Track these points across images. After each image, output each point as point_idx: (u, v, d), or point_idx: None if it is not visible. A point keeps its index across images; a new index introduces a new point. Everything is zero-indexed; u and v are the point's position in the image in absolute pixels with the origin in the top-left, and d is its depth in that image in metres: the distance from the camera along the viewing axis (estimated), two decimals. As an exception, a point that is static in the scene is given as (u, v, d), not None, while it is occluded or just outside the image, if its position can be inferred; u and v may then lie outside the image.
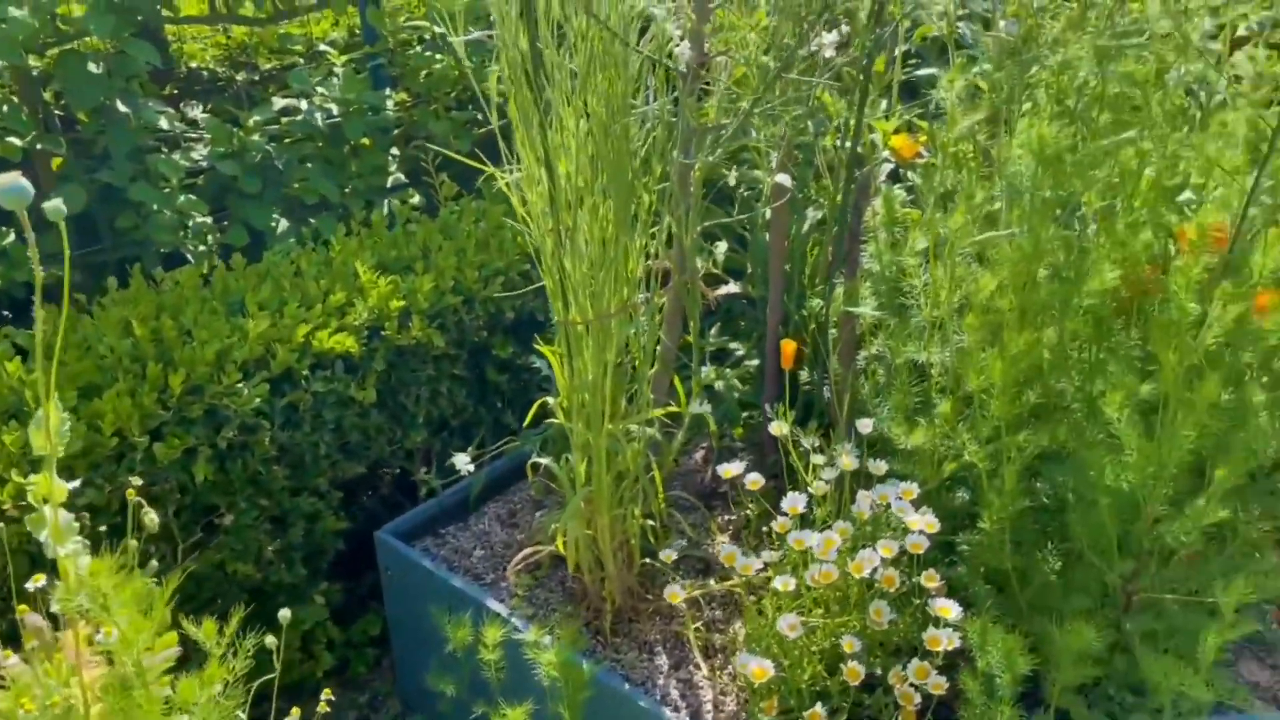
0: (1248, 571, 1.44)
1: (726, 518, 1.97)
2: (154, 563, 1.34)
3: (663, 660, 1.72)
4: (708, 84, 1.66)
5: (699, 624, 1.75)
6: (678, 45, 1.60)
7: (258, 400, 1.81)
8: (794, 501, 1.43)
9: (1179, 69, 1.42)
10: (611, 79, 1.55)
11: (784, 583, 1.37)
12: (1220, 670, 1.62)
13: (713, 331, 2.12)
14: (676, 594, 1.50)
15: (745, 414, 2.05)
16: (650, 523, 1.84)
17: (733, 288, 2.06)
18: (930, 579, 1.36)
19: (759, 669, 1.32)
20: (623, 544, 1.78)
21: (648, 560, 1.80)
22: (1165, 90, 1.40)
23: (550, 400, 1.70)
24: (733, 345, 2.20)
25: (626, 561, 1.79)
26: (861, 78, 1.56)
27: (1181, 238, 1.31)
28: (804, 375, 1.90)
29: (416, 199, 2.81)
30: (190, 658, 1.19)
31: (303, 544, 1.96)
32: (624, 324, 1.70)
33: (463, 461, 1.79)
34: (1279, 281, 1.76)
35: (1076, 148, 1.34)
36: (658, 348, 1.84)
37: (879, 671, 1.46)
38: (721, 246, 2.04)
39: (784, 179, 1.68)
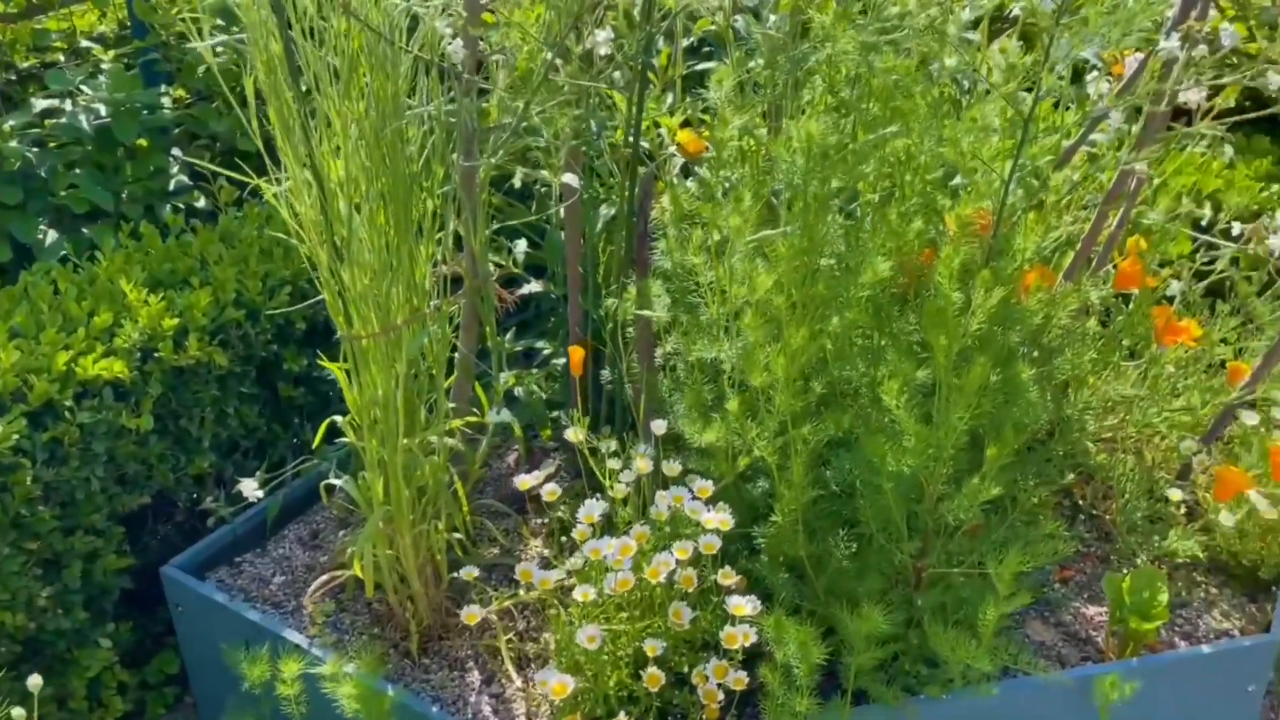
0: (1022, 541, 1.51)
1: (540, 521, 1.94)
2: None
3: (475, 677, 1.68)
4: (487, 83, 1.61)
5: (512, 635, 1.71)
6: (449, 44, 1.54)
7: (15, 437, 1.66)
8: (590, 510, 1.41)
9: (937, 61, 1.46)
10: (380, 81, 1.48)
11: (584, 592, 1.35)
12: (1005, 637, 1.71)
13: (509, 335, 2.08)
14: (474, 614, 1.45)
15: (555, 414, 2.02)
16: (457, 536, 1.79)
17: (535, 286, 2.02)
18: (726, 576, 1.37)
19: (559, 685, 1.30)
20: (428, 561, 1.72)
21: (456, 575, 1.74)
22: (927, 82, 1.44)
23: (339, 419, 1.63)
24: (540, 345, 2.16)
25: (434, 578, 1.73)
26: (637, 74, 1.54)
27: (949, 226, 1.35)
28: (607, 375, 1.88)
29: (202, 202, 2.65)
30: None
31: (81, 586, 1.81)
32: (415, 334, 1.64)
33: (250, 488, 1.69)
34: (1045, 260, 1.86)
35: (844, 144, 1.36)
36: (455, 356, 1.79)
37: (687, 669, 1.46)
38: (521, 245, 2.00)
39: (570, 178, 1.65)
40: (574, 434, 1.49)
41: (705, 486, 1.44)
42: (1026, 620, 1.77)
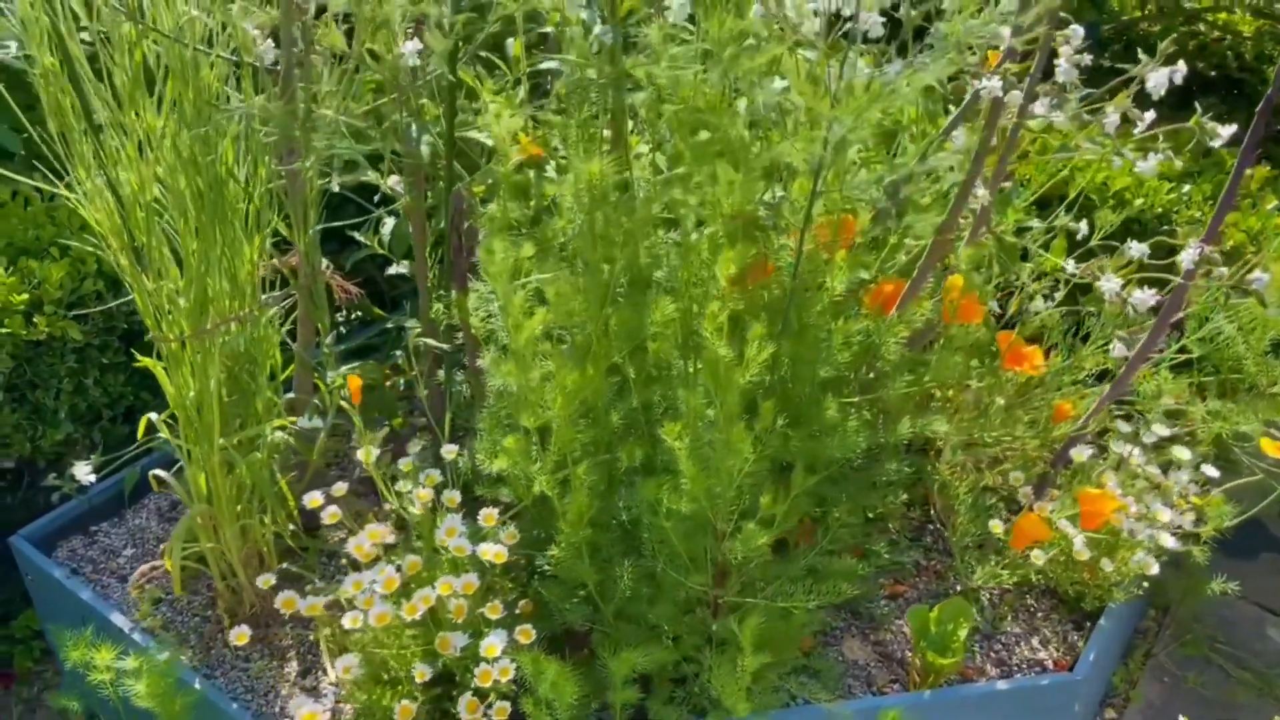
0: (811, 581, 1.52)
1: (389, 507, 1.96)
2: None
3: (293, 667, 1.72)
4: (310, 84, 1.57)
5: (336, 626, 1.75)
6: (259, 46, 1.50)
7: None
8: (360, 541, 1.43)
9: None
10: (180, 86, 1.45)
11: (352, 618, 1.37)
12: (818, 655, 1.73)
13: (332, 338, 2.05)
14: (291, 600, 1.47)
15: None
16: (291, 527, 1.81)
17: (402, 268, 2.00)
18: (494, 610, 1.39)
19: (308, 713, 1.33)
20: (254, 552, 1.75)
21: (285, 566, 1.78)
22: (733, 116, 1.39)
23: (154, 416, 1.64)
24: (410, 325, 2.15)
25: (260, 569, 1.76)
26: (447, 84, 1.50)
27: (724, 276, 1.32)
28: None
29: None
30: None
31: (-67, 552, 1.87)
32: (237, 333, 1.64)
33: (82, 472, 1.71)
34: (902, 273, 1.82)
35: (628, 185, 1.33)
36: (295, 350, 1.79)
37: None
38: (390, 224, 1.98)
39: (395, 181, 1.63)
40: (364, 454, 1.50)
41: (490, 514, 1.45)
42: (845, 637, 1.79)
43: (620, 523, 1.49)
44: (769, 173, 1.40)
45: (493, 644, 1.33)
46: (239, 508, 1.71)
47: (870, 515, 1.90)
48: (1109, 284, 1.50)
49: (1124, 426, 1.73)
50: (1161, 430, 1.73)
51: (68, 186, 1.46)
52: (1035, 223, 2.01)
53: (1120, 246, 1.70)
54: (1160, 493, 1.68)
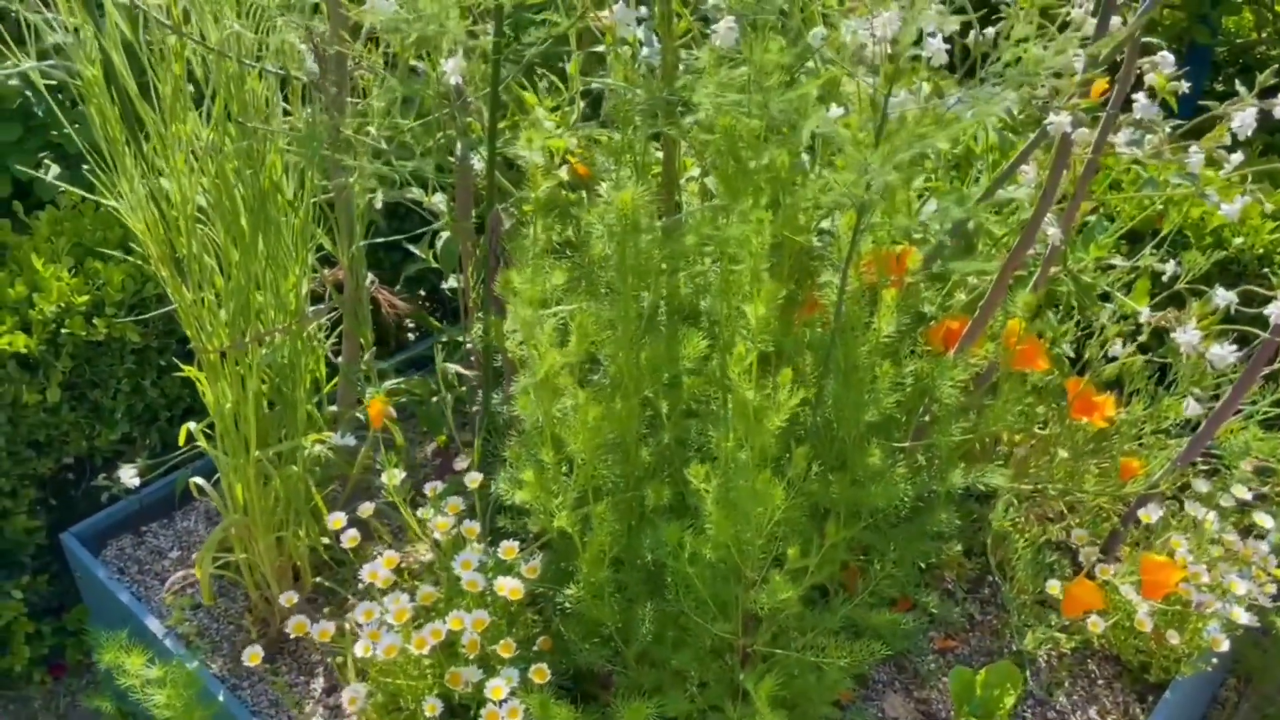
0: (849, 634, 1.44)
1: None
2: None
3: (320, 684, 1.71)
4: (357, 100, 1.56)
5: (366, 644, 1.73)
6: (309, 62, 1.49)
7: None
8: (375, 568, 1.40)
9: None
10: (226, 98, 1.45)
11: (365, 646, 1.35)
12: (855, 710, 1.64)
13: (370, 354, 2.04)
14: (302, 624, 1.46)
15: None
16: (326, 541, 1.80)
17: (454, 282, 1.98)
18: (506, 649, 1.34)
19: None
20: (288, 565, 1.75)
21: (320, 579, 1.77)
22: (782, 144, 1.32)
23: (192, 425, 1.64)
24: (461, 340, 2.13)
25: (295, 582, 1.76)
26: (492, 102, 1.46)
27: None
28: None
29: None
30: None
31: (-11, 544, 1.91)
32: (279, 346, 1.64)
33: (127, 475, 1.73)
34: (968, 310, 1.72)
35: (680, 208, 1.27)
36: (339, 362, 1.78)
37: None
38: (444, 239, 1.96)
39: (438, 200, 1.60)
40: (387, 477, 1.47)
41: (511, 546, 1.40)
42: (887, 691, 1.70)
43: (645, 563, 1.43)
44: (816, 205, 1.33)
45: (498, 686, 1.28)
46: (276, 519, 1.71)
47: (924, 565, 1.80)
48: (1185, 336, 1.39)
49: (1201, 485, 1.60)
50: (1242, 493, 1.60)
51: (118, 195, 1.47)
52: (1119, 260, 1.88)
53: (1208, 291, 1.58)
54: (1236, 561, 1.55)
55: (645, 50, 1.45)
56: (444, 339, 2.13)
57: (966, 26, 1.35)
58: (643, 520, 1.45)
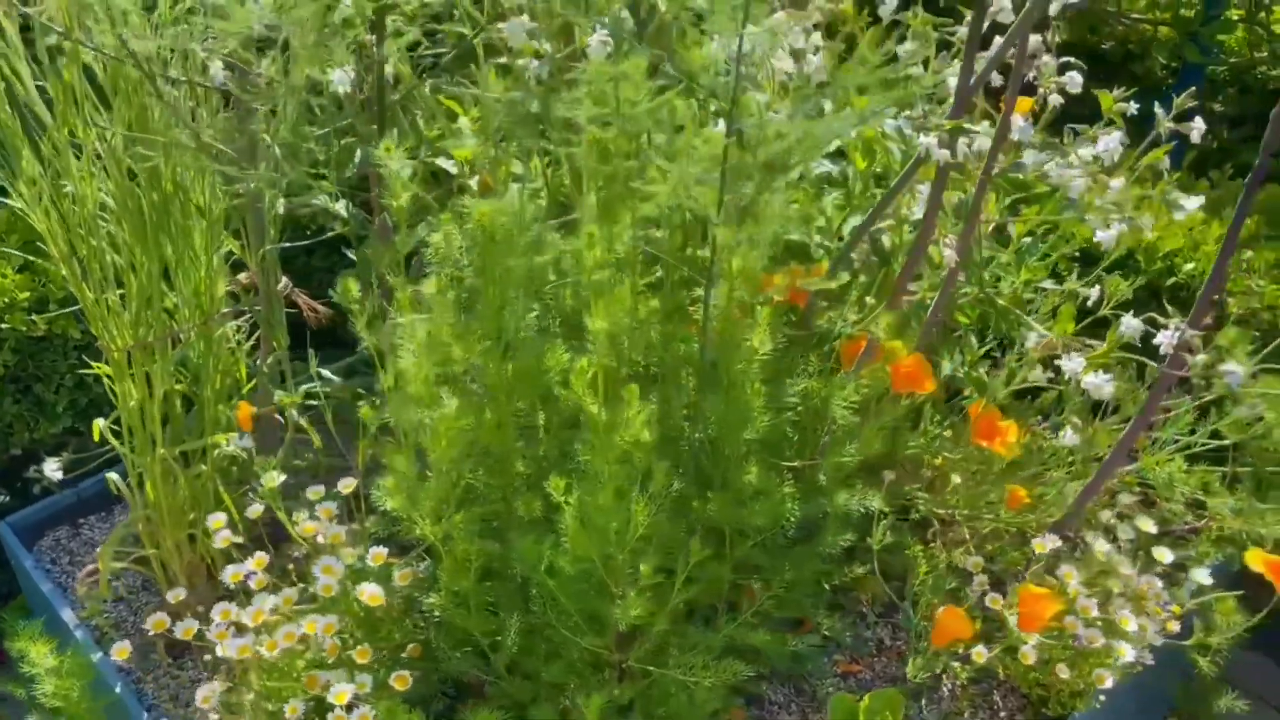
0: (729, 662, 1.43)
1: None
2: None
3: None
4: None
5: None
6: (214, 69, 1.52)
7: None
8: (239, 569, 1.42)
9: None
10: (123, 104, 1.48)
11: (223, 648, 1.37)
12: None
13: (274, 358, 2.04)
14: (161, 622, 1.48)
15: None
16: (239, 540, 1.83)
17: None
18: (363, 654, 1.35)
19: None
20: (199, 563, 1.77)
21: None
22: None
23: (101, 422, 1.68)
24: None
25: (208, 579, 1.79)
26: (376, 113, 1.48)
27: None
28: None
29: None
30: None
31: (-71, 532, 1.97)
32: (186, 346, 1.67)
33: (51, 468, 1.77)
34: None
35: (524, 226, 1.28)
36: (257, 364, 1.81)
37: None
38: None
39: (340, 206, 1.62)
40: (266, 480, 1.49)
41: (380, 552, 1.42)
42: (781, 714, 1.68)
43: (515, 574, 1.44)
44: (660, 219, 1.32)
45: (343, 691, 1.29)
46: (188, 518, 1.74)
47: (830, 587, 1.78)
48: (1070, 364, 1.36)
49: (1105, 515, 1.56)
50: (1147, 526, 1.56)
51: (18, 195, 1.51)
52: (1049, 284, 1.85)
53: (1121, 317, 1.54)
54: (1135, 597, 1.51)
55: (534, 64, 1.45)
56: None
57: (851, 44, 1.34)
58: (518, 531, 1.46)
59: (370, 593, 1.37)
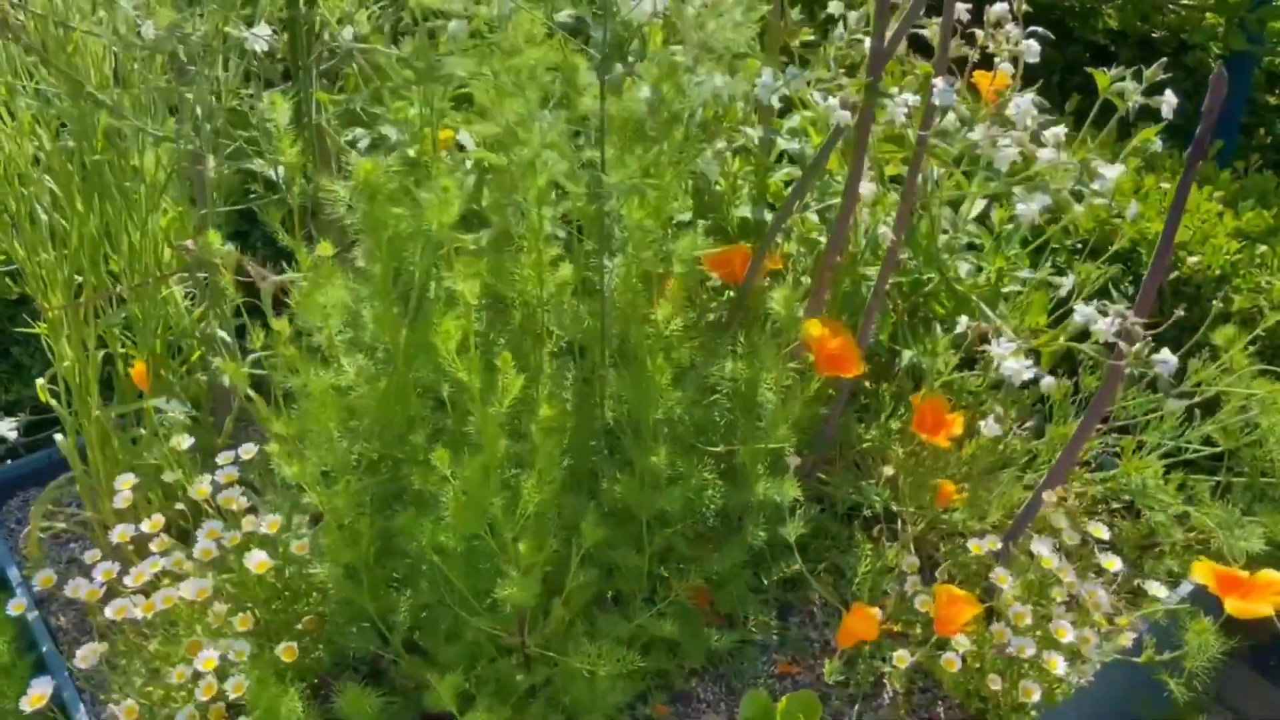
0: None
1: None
2: None
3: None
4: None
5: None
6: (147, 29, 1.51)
7: None
8: (125, 530, 1.41)
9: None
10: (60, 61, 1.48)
11: (117, 609, 1.35)
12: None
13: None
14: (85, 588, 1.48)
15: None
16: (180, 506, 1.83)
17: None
18: (244, 621, 1.32)
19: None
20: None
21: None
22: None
23: (40, 381, 1.69)
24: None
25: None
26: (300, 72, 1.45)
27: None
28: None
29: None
30: None
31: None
32: (125, 308, 1.67)
33: (5, 427, 1.80)
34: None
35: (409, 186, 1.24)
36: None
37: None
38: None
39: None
40: (174, 443, 1.48)
41: (275, 520, 1.39)
42: (708, 712, 1.60)
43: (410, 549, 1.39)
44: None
45: (210, 657, 1.27)
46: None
47: (779, 582, 1.69)
48: (998, 349, 1.26)
49: (1060, 520, 1.45)
50: (1100, 533, 1.44)
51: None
52: (1026, 273, 1.74)
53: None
54: (1076, 607, 1.40)
55: (453, 24, 1.41)
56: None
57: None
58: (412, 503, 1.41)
59: (257, 560, 1.34)
